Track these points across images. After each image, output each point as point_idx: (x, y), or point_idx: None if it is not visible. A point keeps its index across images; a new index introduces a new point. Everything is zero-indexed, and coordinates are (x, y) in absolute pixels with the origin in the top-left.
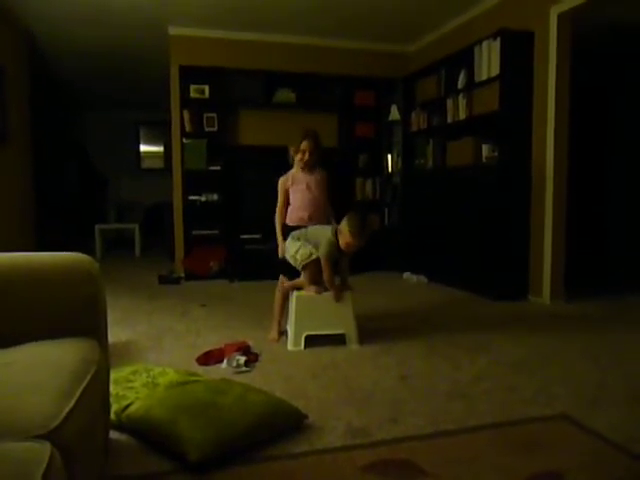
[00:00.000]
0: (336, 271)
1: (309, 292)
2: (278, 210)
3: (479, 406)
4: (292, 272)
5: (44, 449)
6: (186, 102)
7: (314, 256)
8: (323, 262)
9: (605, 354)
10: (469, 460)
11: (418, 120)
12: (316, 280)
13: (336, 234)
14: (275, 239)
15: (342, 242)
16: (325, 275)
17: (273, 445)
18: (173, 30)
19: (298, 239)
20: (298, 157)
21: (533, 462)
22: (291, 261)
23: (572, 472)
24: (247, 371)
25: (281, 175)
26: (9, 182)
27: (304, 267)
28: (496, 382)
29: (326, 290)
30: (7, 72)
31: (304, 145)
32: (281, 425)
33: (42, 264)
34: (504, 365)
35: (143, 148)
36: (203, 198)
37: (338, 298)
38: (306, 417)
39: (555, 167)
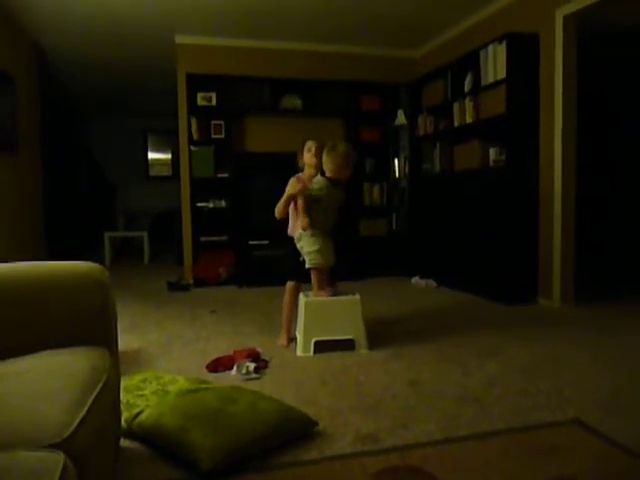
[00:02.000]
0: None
1: (319, 296)
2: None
3: (490, 411)
4: (302, 276)
5: (57, 459)
6: (193, 110)
7: (331, 263)
8: (300, 200)
9: (617, 358)
10: (481, 466)
11: (425, 124)
12: (323, 285)
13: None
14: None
15: (331, 171)
16: (300, 208)
17: (284, 452)
18: (180, 38)
19: (312, 235)
20: (307, 157)
21: (546, 468)
22: (306, 257)
23: (585, 478)
24: (257, 378)
25: (287, 181)
26: (20, 190)
27: (314, 269)
28: (507, 387)
29: (336, 294)
30: (17, 82)
31: (310, 143)
32: (292, 432)
33: (53, 273)
34: (515, 369)
35: (151, 156)
36: (211, 205)
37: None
38: (316, 424)
39: (563, 169)
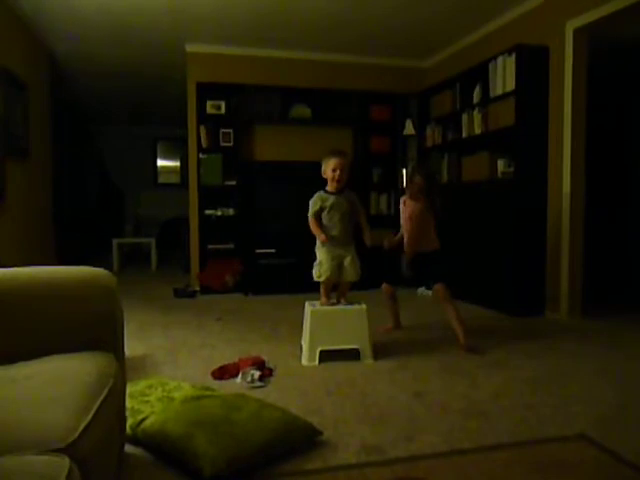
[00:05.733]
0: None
1: (321, 303)
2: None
3: (496, 424)
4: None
5: (62, 463)
6: (203, 118)
7: (322, 278)
8: (309, 220)
9: (624, 372)
10: None
11: (433, 135)
12: (328, 294)
13: (324, 190)
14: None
15: (329, 183)
16: (313, 230)
17: (287, 461)
18: (190, 47)
19: (329, 251)
20: (329, 176)
21: None
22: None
23: None
24: (261, 386)
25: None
26: (30, 196)
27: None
28: (513, 400)
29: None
30: (30, 89)
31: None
32: (296, 441)
33: (61, 278)
34: (521, 382)
35: (160, 163)
36: (219, 212)
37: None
38: (321, 433)
39: (572, 181)
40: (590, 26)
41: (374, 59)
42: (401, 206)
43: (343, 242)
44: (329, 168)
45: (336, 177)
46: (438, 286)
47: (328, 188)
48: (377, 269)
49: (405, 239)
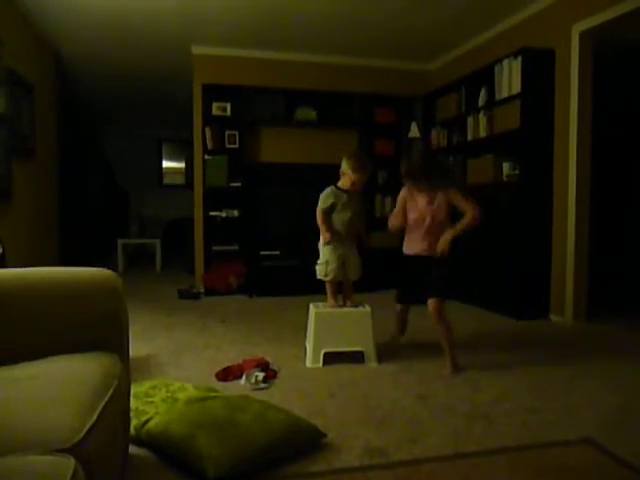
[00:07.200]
0: (340, 290)
1: (329, 305)
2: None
3: (500, 428)
4: (406, 289)
5: (67, 463)
6: (208, 120)
7: (328, 277)
8: (318, 214)
9: (629, 377)
10: None
11: (438, 137)
12: (335, 295)
13: (336, 186)
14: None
15: (347, 184)
16: (320, 225)
17: (291, 463)
18: (196, 49)
19: (335, 249)
20: (347, 183)
21: None
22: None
23: None
24: (265, 388)
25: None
26: (36, 197)
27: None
28: (517, 404)
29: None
30: (36, 90)
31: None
32: (299, 443)
33: (67, 279)
34: (525, 386)
35: (165, 164)
36: (223, 214)
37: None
38: (325, 435)
39: (578, 184)
40: (596, 29)
41: (379, 61)
42: (404, 197)
43: (347, 241)
44: (349, 180)
45: (352, 188)
46: (432, 301)
47: (341, 185)
48: (381, 271)
49: (415, 237)
